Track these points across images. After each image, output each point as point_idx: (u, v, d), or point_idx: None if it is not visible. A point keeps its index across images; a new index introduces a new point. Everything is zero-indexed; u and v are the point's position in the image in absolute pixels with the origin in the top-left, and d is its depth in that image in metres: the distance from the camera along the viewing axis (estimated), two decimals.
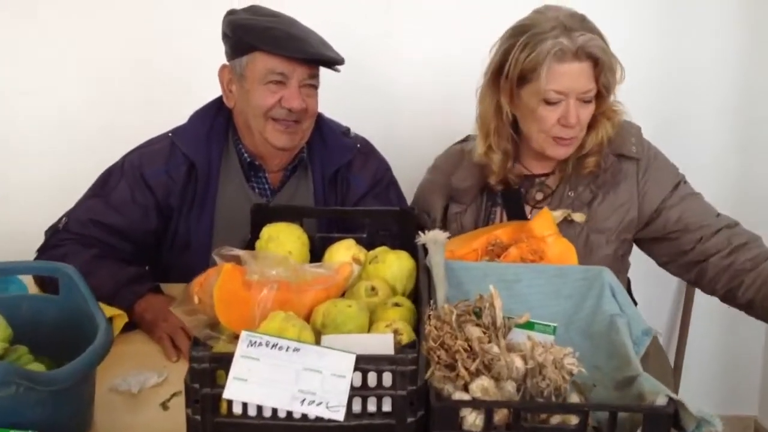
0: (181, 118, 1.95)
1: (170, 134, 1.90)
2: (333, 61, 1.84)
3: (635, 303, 1.93)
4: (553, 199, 1.87)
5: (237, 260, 1.26)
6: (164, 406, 1.39)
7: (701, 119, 2.55)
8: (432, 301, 1.31)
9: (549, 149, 1.81)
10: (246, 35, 1.79)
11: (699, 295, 2.41)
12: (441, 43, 2.49)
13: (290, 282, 1.29)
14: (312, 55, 1.79)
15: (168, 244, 1.90)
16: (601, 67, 1.72)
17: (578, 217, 1.76)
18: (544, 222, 1.70)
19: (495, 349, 1.19)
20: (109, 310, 1.58)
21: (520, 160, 1.91)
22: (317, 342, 1.26)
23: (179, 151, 1.87)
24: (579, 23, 1.72)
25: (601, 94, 1.76)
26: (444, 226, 1.94)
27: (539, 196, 1.90)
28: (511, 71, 1.75)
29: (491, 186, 1.90)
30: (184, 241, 1.88)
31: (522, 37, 1.73)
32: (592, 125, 1.81)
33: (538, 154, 1.86)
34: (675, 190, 1.84)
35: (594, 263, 1.77)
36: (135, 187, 1.85)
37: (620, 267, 1.89)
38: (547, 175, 1.90)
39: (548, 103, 1.74)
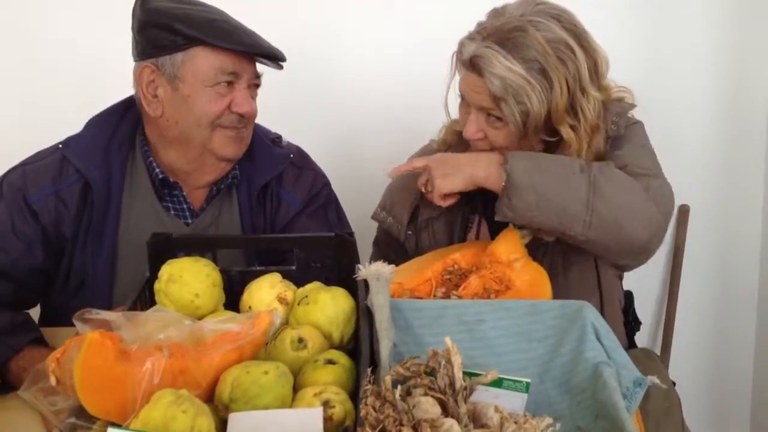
0: (77, 127, 1.63)
1: (60, 146, 1.57)
2: (279, 56, 1.57)
3: (638, 323, 1.73)
4: None
5: (107, 325, 0.97)
6: None
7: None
8: (371, 370, 1.02)
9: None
10: (188, 27, 1.48)
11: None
12: (396, 30, 2.22)
13: (187, 345, 1.00)
14: (265, 50, 1.52)
15: (60, 282, 1.57)
16: (494, 96, 1.42)
17: (550, 236, 1.49)
18: (509, 243, 1.44)
19: (455, 429, 0.92)
20: None
21: None
22: (223, 422, 0.98)
23: (71, 166, 1.54)
24: (502, 32, 1.42)
25: (516, 125, 1.44)
26: (413, 234, 1.65)
27: None
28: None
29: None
30: (80, 279, 1.55)
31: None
32: (560, 145, 1.50)
33: None
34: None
35: (576, 274, 1.55)
36: (16, 213, 1.51)
37: (609, 273, 1.61)
38: None
39: (462, 98, 1.54)
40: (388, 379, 0.96)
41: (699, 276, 2.36)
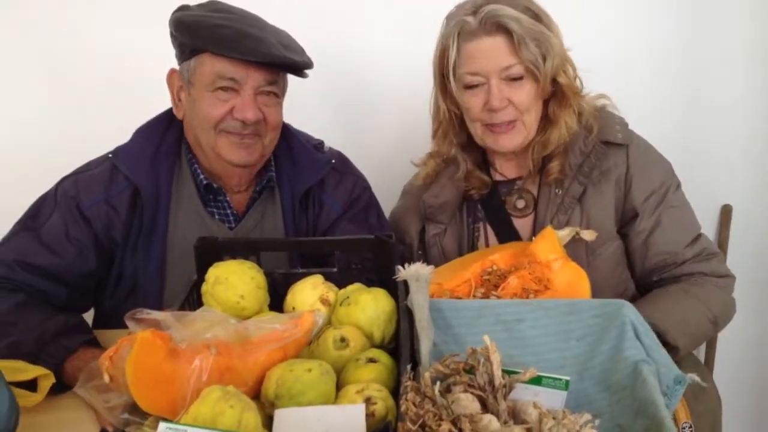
0: (127, 136, 1.69)
1: (110, 155, 1.63)
2: (295, 65, 1.57)
3: None
4: (539, 204, 1.63)
5: (157, 325, 1.00)
6: None
7: None
8: (410, 367, 1.05)
9: (490, 142, 1.62)
10: (191, 34, 1.53)
11: None
12: (420, 42, 2.22)
13: (233, 344, 1.03)
14: (266, 57, 1.52)
15: (111, 286, 1.63)
16: (518, 39, 1.51)
17: (588, 234, 1.50)
18: (548, 244, 1.45)
19: (493, 425, 0.94)
20: (35, 370, 1.33)
21: (493, 166, 1.74)
22: (269, 418, 1.01)
23: (121, 174, 1.60)
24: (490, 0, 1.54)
25: (532, 73, 1.54)
26: (423, 254, 1.69)
27: (520, 204, 1.69)
28: (438, 65, 1.62)
29: (470, 199, 1.71)
30: (131, 282, 1.60)
31: (442, 27, 1.62)
32: (552, 120, 1.61)
33: (501, 154, 1.68)
34: (661, 190, 1.60)
35: (601, 266, 1.56)
36: (69, 220, 1.57)
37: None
38: (522, 178, 1.70)
39: (469, 87, 1.57)
40: (427, 376, 0.98)
41: (742, 277, 2.31)
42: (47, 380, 1.33)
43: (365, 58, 2.23)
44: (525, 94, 1.55)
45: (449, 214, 1.70)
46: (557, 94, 1.60)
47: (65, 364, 1.39)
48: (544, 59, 1.53)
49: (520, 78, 1.54)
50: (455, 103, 1.63)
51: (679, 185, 1.64)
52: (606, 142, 1.60)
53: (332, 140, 1.83)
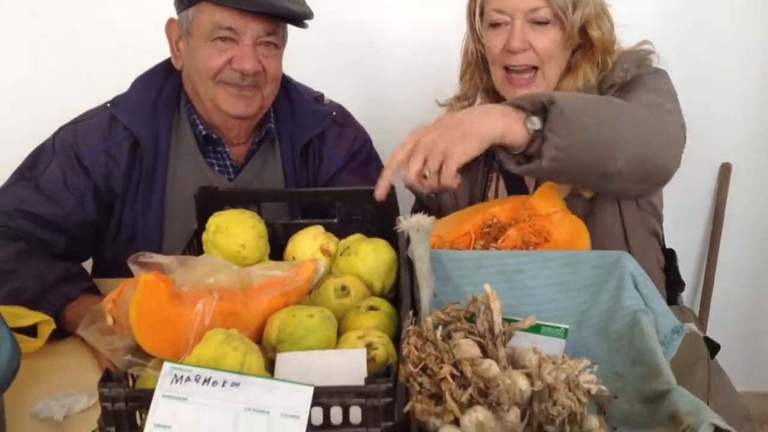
0: (124, 86, 1.67)
1: (109, 105, 1.62)
2: (294, 15, 1.55)
3: (681, 283, 1.68)
4: None
5: (160, 268, 1.01)
6: None
7: None
8: (412, 312, 1.05)
9: (506, 91, 1.59)
10: None
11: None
12: None
13: (236, 290, 1.03)
14: (264, 7, 1.50)
15: (111, 236, 1.63)
16: None
17: (589, 192, 1.49)
18: (548, 197, 1.45)
19: (493, 369, 0.94)
20: (35, 316, 1.34)
21: None
22: (271, 363, 1.01)
23: (120, 124, 1.59)
24: None
25: (559, 19, 1.51)
26: (435, 200, 1.68)
27: None
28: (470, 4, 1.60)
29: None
30: (130, 232, 1.61)
31: None
32: (572, 68, 1.57)
33: None
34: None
35: (606, 227, 1.53)
36: (68, 169, 1.57)
37: (639, 231, 1.60)
38: None
39: (493, 26, 1.54)
40: (429, 320, 0.99)
41: (740, 235, 2.34)
42: (47, 326, 1.34)
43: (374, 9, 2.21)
44: (549, 41, 1.52)
45: None
46: (585, 45, 1.56)
47: (65, 310, 1.39)
48: (575, 7, 1.49)
49: (546, 23, 1.51)
50: (483, 43, 1.60)
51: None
52: (610, 86, 1.56)
53: (341, 95, 1.82)
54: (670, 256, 1.69)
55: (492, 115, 1.30)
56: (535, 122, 1.29)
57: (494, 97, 1.67)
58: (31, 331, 1.34)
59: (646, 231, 1.58)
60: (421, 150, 1.24)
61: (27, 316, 1.32)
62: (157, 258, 1.01)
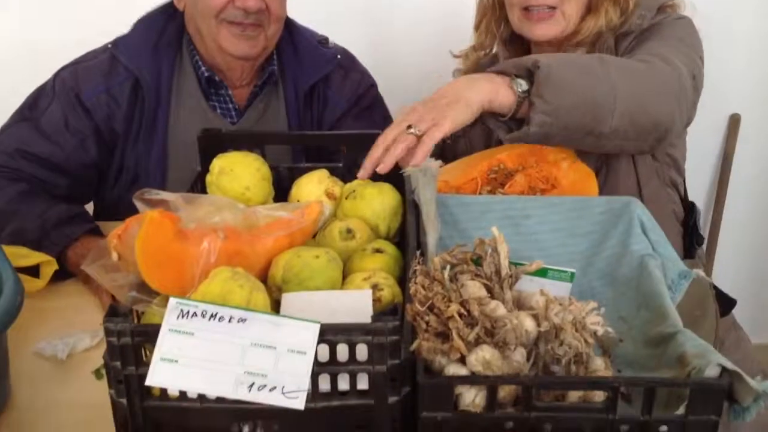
0: (125, 28, 1.64)
1: (110, 46, 1.59)
2: None
3: (700, 237, 1.64)
4: None
5: (165, 205, 0.99)
6: (98, 374, 1.15)
7: None
8: (419, 252, 1.05)
9: (526, 30, 1.54)
10: None
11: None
12: None
13: (241, 229, 1.02)
14: None
15: (112, 178, 1.62)
16: None
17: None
18: None
19: (500, 310, 0.94)
20: (37, 256, 1.33)
21: None
22: (276, 303, 1.01)
23: (121, 65, 1.57)
24: None
25: None
26: (451, 145, 1.65)
27: None
28: None
29: None
30: (132, 174, 1.59)
31: None
32: (593, 7, 1.52)
33: (541, 49, 1.57)
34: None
35: (620, 177, 1.49)
36: (69, 110, 1.55)
37: (654, 182, 1.56)
38: None
39: None
40: (437, 260, 0.98)
41: (747, 186, 2.32)
42: (50, 267, 1.33)
43: None
44: (575, 1, 1.47)
45: None
46: None
47: (67, 251, 1.39)
48: None
49: None
50: None
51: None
52: (623, 33, 1.52)
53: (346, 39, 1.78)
54: (690, 209, 1.64)
55: (478, 81, 1.28)
56: (522, 84, 1.26)
57: (512, 49, 1.63)
58: (34, 271, 1.33)
59: (662, 182, 1.55)
60: (408, 121, 1.20)
61: (29, 257, 1.32)
62: (163, 195, 1.00)
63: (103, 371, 1.12)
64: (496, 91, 1.24)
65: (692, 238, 1.62)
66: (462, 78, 1.34)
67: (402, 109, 1.26)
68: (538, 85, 1.22)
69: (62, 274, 1.37)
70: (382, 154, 1.19)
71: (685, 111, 1.40)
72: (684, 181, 1.61)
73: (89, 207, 1.66)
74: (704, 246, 2.32)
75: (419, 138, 1.18)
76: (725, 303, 1.52)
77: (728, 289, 1.47)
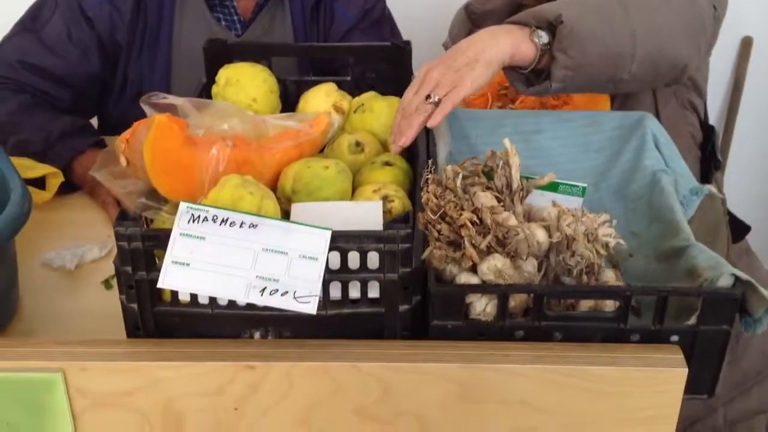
0: None
1: None
2: None
3: (717, 161, 1.56)
4: None
5: (174, 110, 0.98)
6: (107, 284, 1.15)
7: None
8: (431, 161, 1.04)
9: None
10: None
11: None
12: None
13: (250, 138, 1.01)
14: None
15: (116, 92, 1.59)
16: None
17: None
18: None
19: (512, 220, 0.93)
20: (43, 168, 1.32)
21: None
22: (285, 213, 1.00)
23: None
24: None
25: None
26: None
27: None
28: None
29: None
30: (136, 88, 1.56)
31: None
32: None
33: None
34: None
35: (638, 98, 1.42)
36: (71, 21, 1.51)
37: (672, 103, 1.49)
38: None
39: None
40: (449, 168, 0.97)
41: (758, 110, 2.28)
42: (56, 179, 1.32)
43: None
44: None
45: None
46: None
47: (73, 164, 1.37)
48: None
49: None
50: None
51: None
52: None
53: None
54: (709, 132, 1.58)
55: (498, 35, 1.20)
56: (543, 36, 1.18)
57: None
58: (40, 184, 1.32)
59: (680, 104, 1.50)
60: (426, 86, 1.14)
61: (35, 168, 1.30)
62: (171, 99, 0.98)
63: (113, 282, 1.13)
64: (518, 46, 1.18)
65: (710, 162, 1.59)
66: (482, 33, 1.28)
67: (422, 69, 1.22)
68: (561, 40, 1.16)
69: (68, 188, 1.36)
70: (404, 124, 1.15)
71: (704, 46, 1.34)
72: (705, 104, 1.56)
73: (93, 123, 1.64)
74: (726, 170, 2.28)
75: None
76: (739, 229, 1.51)
77: (741, 216, 1.46)
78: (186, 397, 0.89)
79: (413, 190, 1.08)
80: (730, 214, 1.52)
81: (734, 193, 2.34)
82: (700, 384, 0.92)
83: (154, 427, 0.91)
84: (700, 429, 1.56)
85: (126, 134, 0.94)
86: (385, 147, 1.22)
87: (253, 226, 0.85)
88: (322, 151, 1.19)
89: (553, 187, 1.10)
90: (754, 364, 1.54)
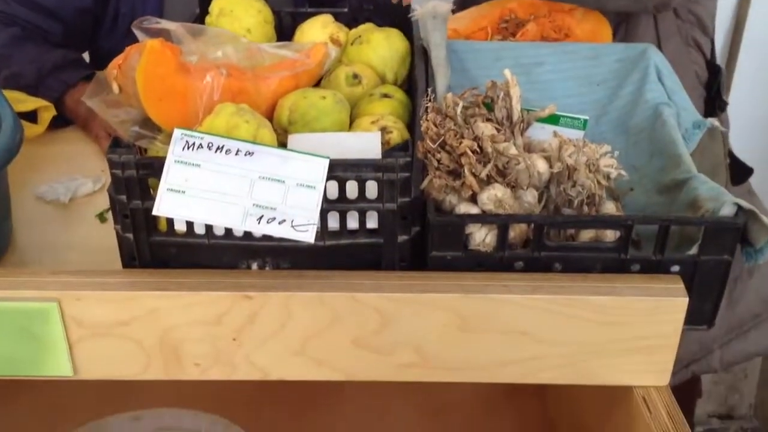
0: None
1: None
2: None
3: (723, 102, 1.55)
4: None
5: (167, 36, 0.95)
6: (101, 217, 1.14)
7: None
8: (430, 91, 1.01)
9: None
10: None
11: None
12: None
13: (245, 67, 0.98)
14: None
15: (108, 26, 1.55)
16: None
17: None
18: None
19: (512, 149, 0.91)
20: (35, 101, 1.29)
21: None
22: (282, 144, 0.98)
23: None
24: None
25: None
26: None
27: None
28: None
29: None
30: (128, 22, 1.50)
31: None
32: None
33: None
34: None
35: (639, 35, 1.41)
36: None
37: (675, 40, 1.47)
38: None
39: None
40: (449, 96, 0.95)
41: (761, 51, 2.24)
42: (48, 112, 1.30)
43: None
44: None
45: None
46: None
47: (65, 97, 1.35)
48: None
49: None
50: None
51: None
52: None
53: None
54: (715, 72, 1.55)
55: None
56: None
57: None
58: (32, 118, 1.30)
59: (684, 41, 1.47)
60: None
61: (27, 101, 1.28)
62: (164, 23, 0.95)
63: (107, 215, 1.12)
64: None
65: (714, 102, 1.57)
66: None
67: None
68: None
69: (60, 122, 1.34)
70: None
71: None
72: (712, 42, 1.53)
73: (85, 57, 1.61)
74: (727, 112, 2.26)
75: None
76: (741, 171, 1.50)
77: (742, 158, 1.44)
78: (183, 327, 0.89)
79: (412, 123, 1.06)
80: (732, 155, 1.51)
81: (736, 136, 2.33)
82: (700, 315, 0.92)
83: (151, 357, 0.90)
84: (695, 369, 1.58)
85: (118, 59, 0.91)
86: (383, 79, 1.20)
87: (249, 153, 0.84)
88: (318, 84, 1.17)
89: (553, 119, 1.08)
90: (751, 308, 1.54)
